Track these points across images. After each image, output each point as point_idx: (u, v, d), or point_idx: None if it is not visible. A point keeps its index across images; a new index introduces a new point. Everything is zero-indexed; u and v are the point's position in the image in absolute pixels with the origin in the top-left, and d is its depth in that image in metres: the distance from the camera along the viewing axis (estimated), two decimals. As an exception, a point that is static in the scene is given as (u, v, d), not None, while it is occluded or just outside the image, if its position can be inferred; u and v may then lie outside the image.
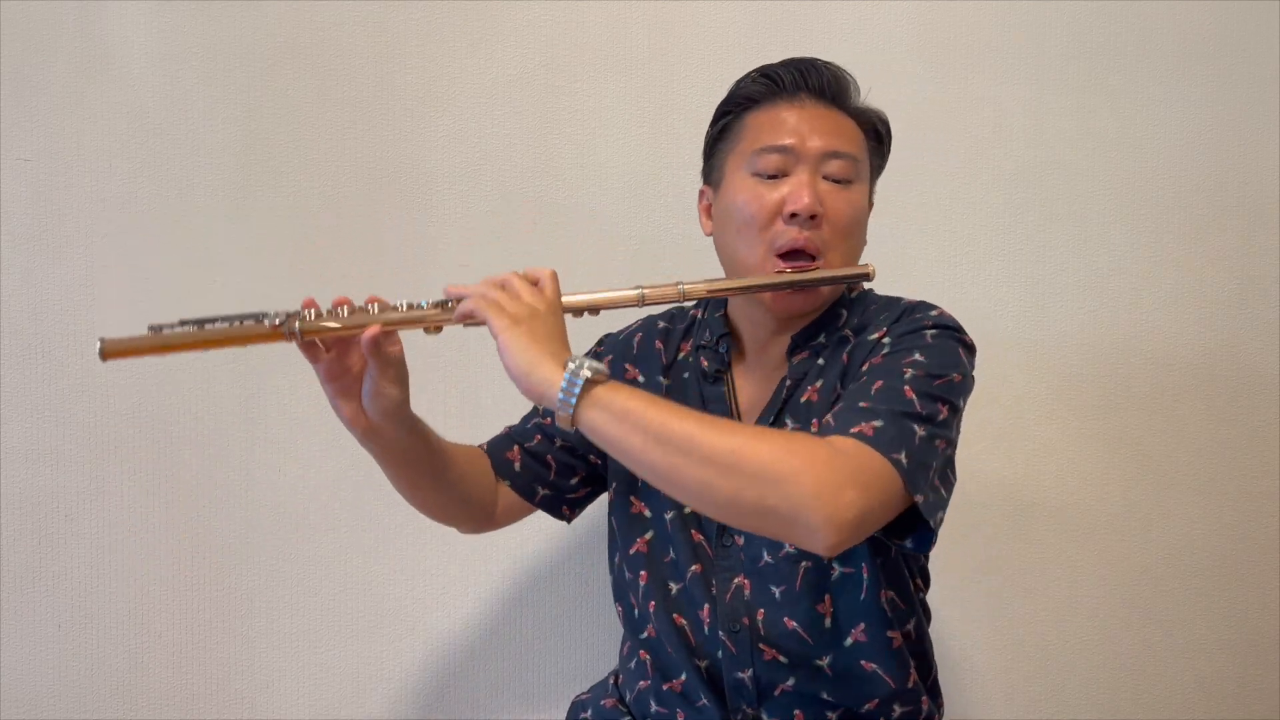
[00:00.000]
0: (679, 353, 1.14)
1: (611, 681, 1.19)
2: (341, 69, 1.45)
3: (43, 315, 1.43)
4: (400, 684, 1.48)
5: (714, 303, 1.14)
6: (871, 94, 1.08)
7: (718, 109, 1.10)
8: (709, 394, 1.09)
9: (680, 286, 0.99)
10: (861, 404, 0.91)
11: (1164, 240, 1.48)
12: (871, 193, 1.09)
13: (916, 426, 0.90)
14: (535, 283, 0.96)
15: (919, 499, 0.89)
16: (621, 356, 1.17)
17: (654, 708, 1.09)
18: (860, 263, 1.06)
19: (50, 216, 1.43)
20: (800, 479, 0.82)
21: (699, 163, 1.14)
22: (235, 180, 1.45)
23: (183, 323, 0.91)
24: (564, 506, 1.18)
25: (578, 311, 0.99)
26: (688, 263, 1.46)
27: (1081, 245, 1.48)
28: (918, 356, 0.96)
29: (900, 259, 1.45)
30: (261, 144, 1.45)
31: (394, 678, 1.48)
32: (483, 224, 1.46)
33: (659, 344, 1.16)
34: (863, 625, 1.02)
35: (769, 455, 0.83)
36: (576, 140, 1.46)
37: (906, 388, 0.92)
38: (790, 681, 1.03)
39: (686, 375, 1.12)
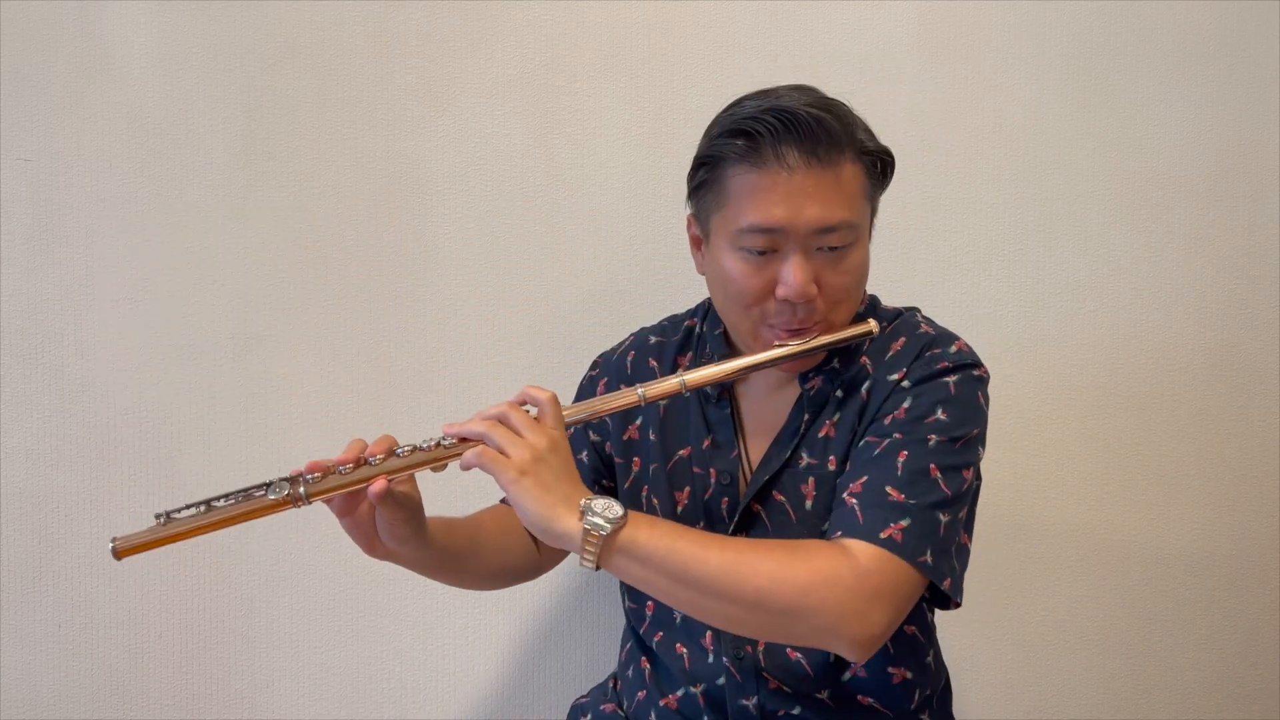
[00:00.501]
0: (676, 369, 1.11)
1: (610, 685, 1.19)
2: (341, 69, 1.45)
3: (43, 315, 1.43)
4: (400, 684, 1.48)
5: (713, 319, 1.10)
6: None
7: (696, 158, 1.00)
8: (713, 416, 1.08)
9: (683, 379, 0.96)
10: (890, 490, 0.92)
11: (1164, 240, 1.48)
12: (871, 228, 1.02)
13: (941, 515, 0.92)
14: (534, 406, 0.93)
15: (944, 585, 0.92)
16: (618, 377, 1.15)
17: (653, 719, 1.09)
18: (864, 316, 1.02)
19: (50, 216, 1.43)
20: (824, 610, 0.85)
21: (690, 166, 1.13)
22: (235, 180, 1.45)
23: (188, 506, 0.93)
24: None
25: (580, 424, 0.98)
26: (686, 263, 1.46)
27: (1081, 245, 1.48)
28: (940, 415, 0.95)
29: (900, 259, 1.46)
30: (261, 144, 1.45)
31: (394, 678, 1.48)
32: (483, 224, 1.46)
33: (653, 362, 1.14)
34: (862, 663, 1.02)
35: (792, 590, 0.86)
36: (576, 140, 1.46)
37: (932, 465, 0.93)
38: (796, 709, 1.03)
39: (686, 395, 1.07)
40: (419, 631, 1.47)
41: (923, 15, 1.46)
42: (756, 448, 1.06)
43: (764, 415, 1.06)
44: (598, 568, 0.88)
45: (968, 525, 0.97)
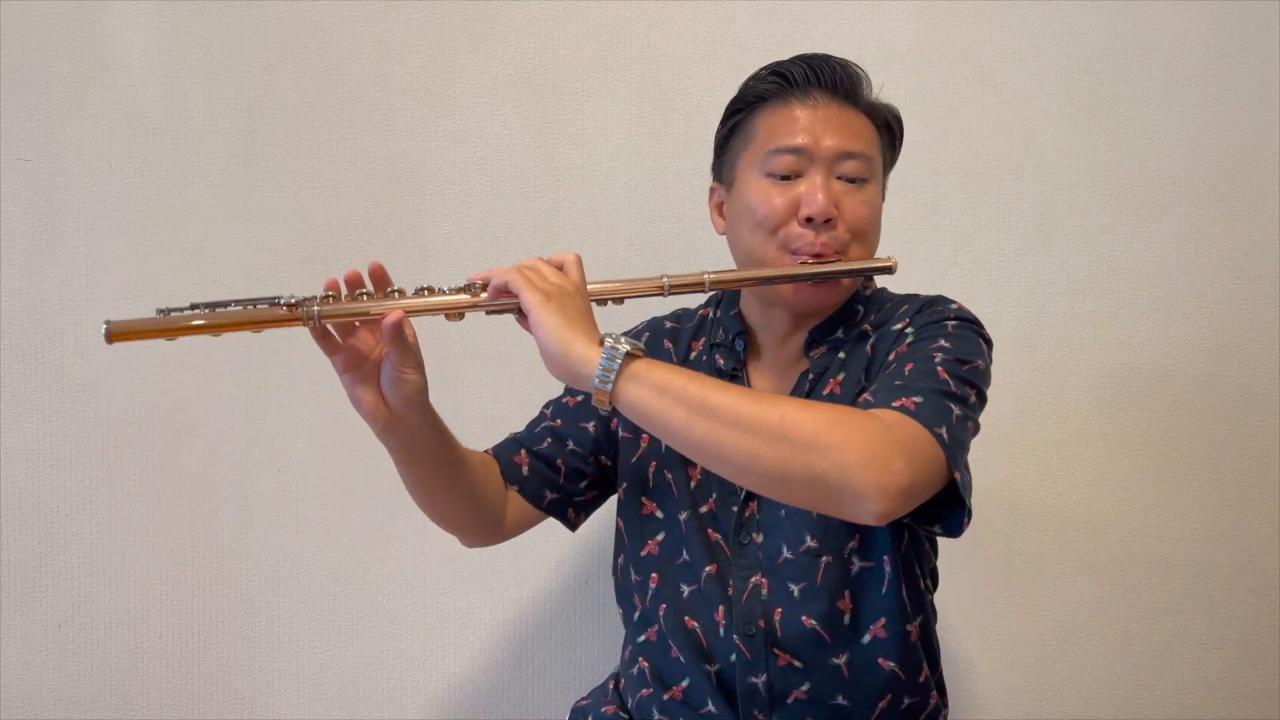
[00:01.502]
0: (690, 351, 1.14)
1: (611, 686, 1.18)
2: (341, 69, 1.45)
3: (43, 315, 1.43)
4: (400, 685, 1.48)
5: (727, 301, 1.13)
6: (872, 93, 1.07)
7: (729, 106, 1.09)
8: None
9: (705, 276, 0.99)
10: (899, 382, 0.92)
11: (1164, 240, 1.48)
12: (884, 188, 1.09)
13: (953, 405, 0.91)
14: (560, 267, 0.96)
15: (957, 476, 0.90)
16: None
17: (657, 716, 1.08)
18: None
19: (50, 216, 1.43)
20: (849, 447, 0.82)
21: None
22: (235, 180, 1.45)
23: (193, 306, 0.89)
24: (570, 510, 1.16)
25: (601, 300, 0.99)
26: (687, 262, 1.46)
27: (1082, 245, 1.48)
28: (944, 343, 0.97)
29: (901, 259, 1.45)
30: (261, 144, 1.45)
31: (394, 678, 1.48)
32: (483, 224, 1.46)
33: (668, 343, 1.15)
34: (883, 620, 1.01)
35: (816, 423, 0.83)
36: (576, 140, 1.46)
37: (940, 369, 0.94)
38: (805, 687, 1.01)
39: (708, 290, 1.10)
40: (419, 631, 1.47)
41: (923, 16, 1.46)
42: None
43: (776, 391, 1.08)
44: (611, 404, 0.87)
45: (967, 439, 0.95)
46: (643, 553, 1.10)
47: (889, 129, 1.08)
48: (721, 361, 1.10)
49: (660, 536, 1.09)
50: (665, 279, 0.99)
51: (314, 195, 1.45)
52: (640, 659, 1.10)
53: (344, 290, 0.94)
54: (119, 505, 1.45)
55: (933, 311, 1.03)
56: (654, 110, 1.46)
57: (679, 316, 1.19)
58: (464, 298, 0.94)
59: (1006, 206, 1.48)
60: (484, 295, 0.94)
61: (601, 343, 0.88)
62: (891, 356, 0.99)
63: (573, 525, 1.18)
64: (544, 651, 1.48)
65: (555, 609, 1.48)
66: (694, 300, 1.22)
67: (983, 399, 0.99)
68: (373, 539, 1.46)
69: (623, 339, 0.88)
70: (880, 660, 1.02)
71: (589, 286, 0.97)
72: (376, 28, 1.45)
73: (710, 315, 1.15)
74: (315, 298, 0.91)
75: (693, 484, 1.08)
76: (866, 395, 0.93)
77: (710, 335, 1.13)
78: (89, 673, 1.45)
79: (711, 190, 1.12)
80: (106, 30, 1.43)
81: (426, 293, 0.94)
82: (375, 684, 1.47)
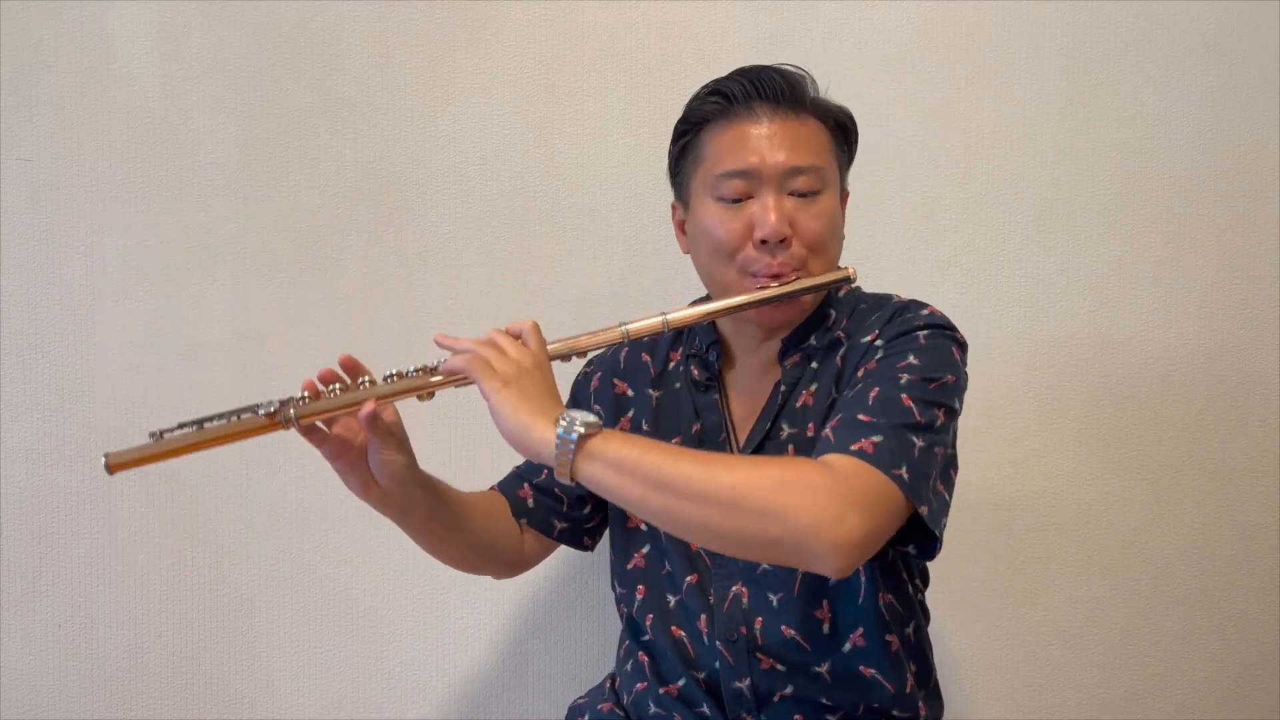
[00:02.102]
0: (668, 362, 1.14)
1: (608, 685, 1.19)
2: (342, 69, 1.45)
3: (43, 315, 1.43)
4: (400, 685, 1.48)
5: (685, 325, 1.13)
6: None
7: (676, 127, 1.08)
8: (701, 403, 1.09)
9: (664, 317, 0.99)
10: (861, 416, 0.91)
11: (1164, 240, 1.48)
12: (843, 186, 1.07)
13: (915, 438, 0.91)
14: (518, 337, 0.96)
15: (923, 510, 0.90)
16: (610, 372, 1.16)
17: (653, 709, 1.09)
18: (843, 264, 1.04)
19: (50, 216, 1.43)
20: (800, 510, 0.82)
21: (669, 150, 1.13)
22: (235, 180, 1.45)
23: (181, 425, 0.94)
24: (584, 537, 1.19)
25: (564, 357, 0.99)
26: (685, 262, 1.46)
27: (1081, 245, 1.48)
28: (912, 360, 0.96)
29: (900, 259, 1.46)
30: (261, 144, 1.45)
31: (393, 678, 1.48)
32: (483, 224, 1.46)
33: (646, 356, 1.15)
34: (861, 630, 1.02)
35: (767, 488, 0.84)
36: (576, 140, 1.46)
37: (904, 395, 0.93)
38: (789, 689, 1.03)
39: (678, 385, 1.11)
40: (419, 631, 1.47)
41: (922, 15, 1.46)
42: (744, 430, 1.07)
43: (751, 400, 1.08)
44: (572, 478, 0.88)
45: (945, 475, 0.95)
46: (629, 565, 1.12)
47: (841, 129, 1.06)
48: (696, 373, 1.10)
49: (645, 549, 1.11)
50: (624, 328, 0.99)
51: (314, 195, 1.45)
52: (640, 654, 1.11)
53: (320, 387, 0.96)
54: (119, 505, 1.45)
55: (903, 321, 1.01)
56: (653, 110, 1.46)
57: None
58: (429, 380, 0.95)
59: (1006, 206, 1.47)
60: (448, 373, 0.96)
61: (557, 422, 0.88)
62: (860, 373, 0.98)
63: (589, 548, 1.21)
64: (542, 651, 1.48)
65: (553, 609, 1.48)
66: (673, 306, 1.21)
67: (953, 414, 0.97)
68: (372, 539, 1.46)
69: (579, 417, 0.88)
70: (861, 668, 1.02)
71: (550, 345, 0.97)
72: (376, 28, 1.45)
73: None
74: (292, 399, 0.94)
75: None
76: (828, 430, 0.93)
77: (686, 345, 1.13)
78: (89, 673, 1.45)
79: (673, 208, 1.12)
80: (106, 30, 1.43)
81: (395, 377, 0.96)
82: (375, 684, 1.47)
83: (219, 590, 1.46)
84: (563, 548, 1.39)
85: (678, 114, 1.45)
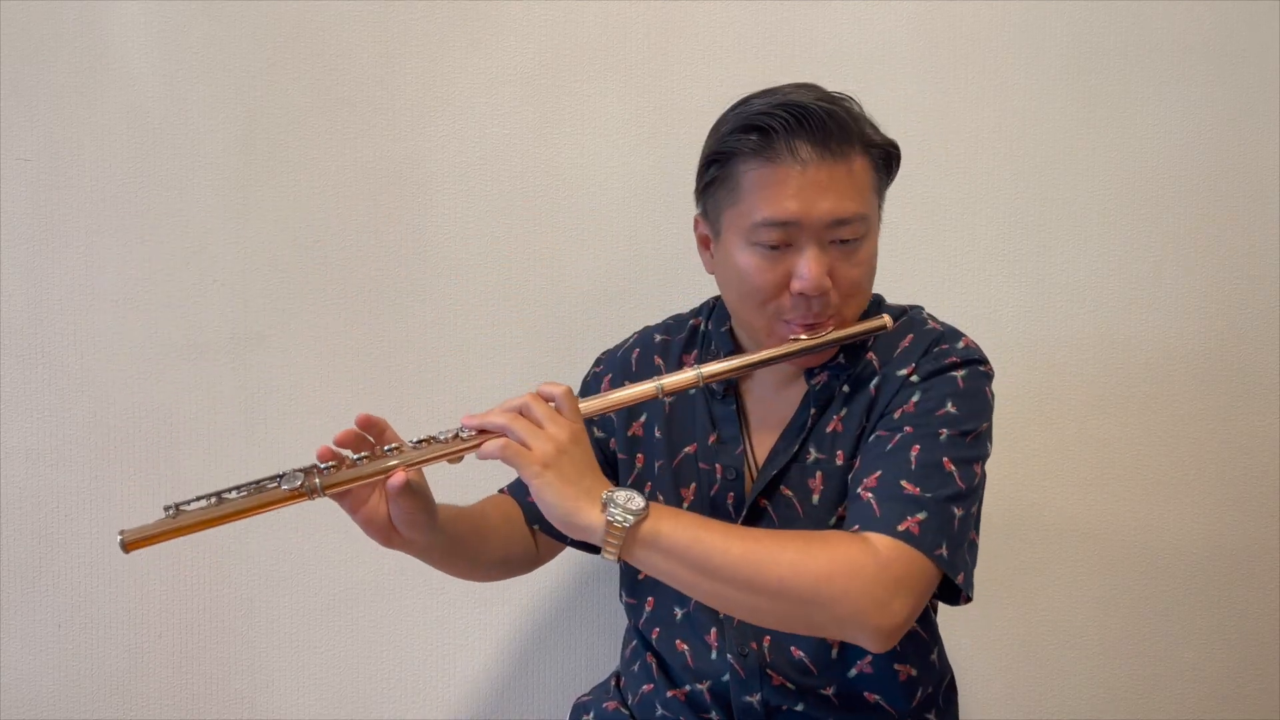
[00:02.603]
0: (681, 366, 1.12)
1: (613, 683, 1.19)
2: (341, 69, 1.45)
3: (43, 315, 1.43)
4: (400, 685, 1.48)
5: (719, 316, 1.12)
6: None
7: (707, 155, 1.01)
8: (719, 412, 1.08)
9: (699, 371, 0.97)
10: (904, 484, 0.92)
11: (1164, 240, 1.48)
12: (880, 215, 1.02)
13: (956, 508, 0.92)
14: (550, 400, 0.92)
15: (958, 579, 0.92)
16: (621, 374, 1.15)
17: (659, 711, 1.09)
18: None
19: (50, 216, 1.43)
20: (846, 599, 0.85)
21: (698, 164, 1.13)
22: (235, 180, 1.45)
23: (199, 498, 0.91)
24: None
25: (596, 418, 0.98)
26: (686, 262, 1.46)
27: (1081, 245, 1.48)
28: (950, 408, 0.96)
29: (901, 260, 1.46)
30: (261, 144, 1.45)
31: (394, 678, 1.48)
32: (483, 224, 1.46)
33: (658, 359, 1.14)
34: (869, 658, 1.02)
35: (814, 578, 0.86)
36: (576, 140, 1.46)
37: (945, 459, 0.93)
38: (799, 706, 1.03)
39: (692, 392, 1.09)
40: (419, 631, 1.47)
41: (923, 15, 1.46)
42: (761, 443, 1.06)
43: (769, 411, 1.07)
44: (620, 560, 0.88)
45: (976, 522, 0.98)
46: (639, 577, 1.12)
47: (885, 162, 1.00)
48: (714, 383, 1.08)
49: None
50: (659, 384, 0.96)
51: (314, 195, 1.45)
52: (646, 655, 1.11)
53: (341, 453, 0.93)
54: (119, 505, 1.45)
55: (938, 354, 1.00)
56: (654, 110, 1.46)
57: (669, 328, 1.17)
58: (460, 445, 0.92)
59: (1006, 206, 1.47)
60: (478, 444, 0.91)
61: (604, 506, 0.87)
62: (897, 415, 0.97)
63: (598, 552, 1.19)
64: (545, 649, 1.48)
65: (557, 607, 1.48)
66: (693, 304, 1.22)
67: (985, 459, 0.99)
68: (372, 541, 1.46)
69: (623, 502, 0.87)
70: (865, 694, 1.03)
71: (583, 405, 0.94)
72: (376, 28, 1.45)
73: (702, 328, 1.14)
74: (315, 468, 0.91)
75: (685, 505, 1.08)
76: (871, 497, 0.92)
77: (702, 350, 1.12)
78: (89, 673, 1.45)
79: (696, 221, 1.06)
80: (106, 30, 1.43)
81: (426, 443, 0.93)
82: (375, 684, 1.47)
83: (219, 590, 1.46)
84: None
85: (678, 113, 1.47)
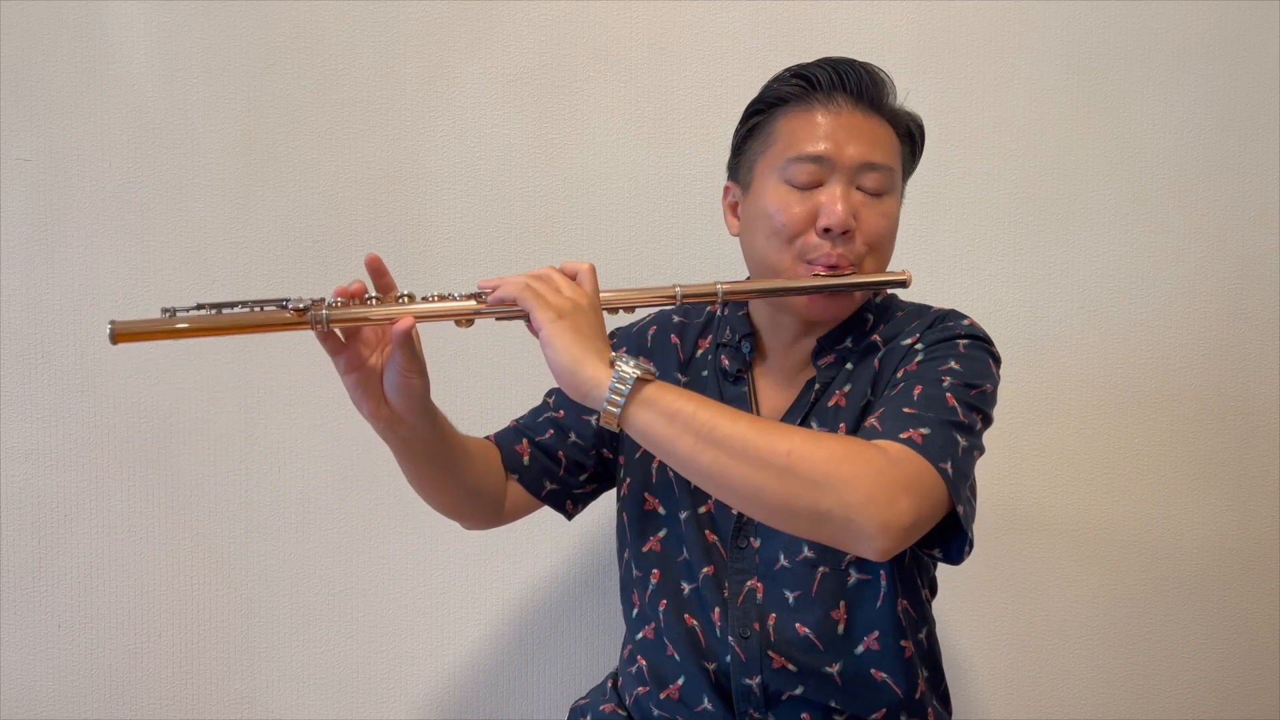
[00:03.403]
0: (697, 349, 1.13)
1: (610, 685, 1.18)
2: (342, 69, 1.45)
3: (43, 315, 1.43)
4: (400, 685, 1.48)
5: (735, 301, 1.12)
6: None
7: (749, 107, 1.06)
8: (729, 393, 1.08)
9: (718, 286, 0.98)
10: (907, 409, 0.91)
11: (1164, 240, 1.48)
12: (902, 195, 1.07)
13: (959, 436, 0.91)
14: (573, 276, 0.95)
15: (959, 509, 0.90)
16: (635, 350, 1.15)
17: (655, 712, 1.08)
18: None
19: (50, 216, 1.43)
20: (855, 484, 0.82)
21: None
22: (235, 180, 1.45)
23: (199, 306, 0.88)
24: (568, 502, 1.17)
25: (613, 309, 0.98)
26: (686, 263, 1.46)
27: (1081, 245, 1.48)
28: (953, 365, 0.96)
29: (900, 259, 1.45)
30: (261, 144, 1.45)
31: (394, 678, 1.48)
32: (483, 224, 1.46)
33: (675, 339, 1.14)
34: (876, 634, 1.01)
35: (824, 459, 0.82)
36: (576, 140, 1.46)
37: (948, 395, 0.93)
38: (799, 689, 1.02)
39: (705, 373, 1.11)
40: (418, 632, 1.47)
41: (922, 16, 1.46)
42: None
43: (779, 396, 1.07)
44: (619, 427, 0.87)
45: (973, 483, 0.96)
46: (645, 548, 1.11)
47: (910, 137, 1.06)
48: (727, 363, 1.09)
49: (662, 533, 1.09)
50: (678, 288, 0.97)
51: (314, 195, 1.45)
52: (639, 657, 1.11)
53: (351, 294, 0.93)
54: (119, 505, 1.45)
55: (944, 328, 1.02)
56: (654, 109, 1.46)
57: (687, 311, 1.18)
58: (473, 304, 0.93)
59: (1006, 206, 1.47)
60: (489, 305, 0.93)
61: (612, 364, 0.87)
62: (900, 374, 0.98)
63: (569, 515, 1.19)
64: (543, 652, 1.48)
65: (554, 610, 1.48)
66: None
67: (988, 422, 0.99)
68: (372, 539, 1.46)
69: (633, 360, 0.87)
70: (873, 671, 1.02)
71: (602, 294, 0.95)
72: (376, 28, 1.45)
73: (718, 313, 1.15)
74: (324, 301, 0.90)
75: (693, 484, 1.07)
76: (874, 421, 0.93)
77: (717, 334, 1.13)
78: (89, 673, 1.45)
79: (726, 189, 1.10)
80: (106, 30, 1.43)
81: (435, 298, 0.93)
82: (375, 684, 1.47)
83: (219, 590, 1.46)
84: (564, 546, 1.39)
85: (678, 113, 1.47)
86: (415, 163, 1.46)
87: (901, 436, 0.88)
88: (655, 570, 1.09)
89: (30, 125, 1.43)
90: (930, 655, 1.07)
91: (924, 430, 0.89)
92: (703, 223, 1.44)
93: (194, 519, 1.45)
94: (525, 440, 1.13)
